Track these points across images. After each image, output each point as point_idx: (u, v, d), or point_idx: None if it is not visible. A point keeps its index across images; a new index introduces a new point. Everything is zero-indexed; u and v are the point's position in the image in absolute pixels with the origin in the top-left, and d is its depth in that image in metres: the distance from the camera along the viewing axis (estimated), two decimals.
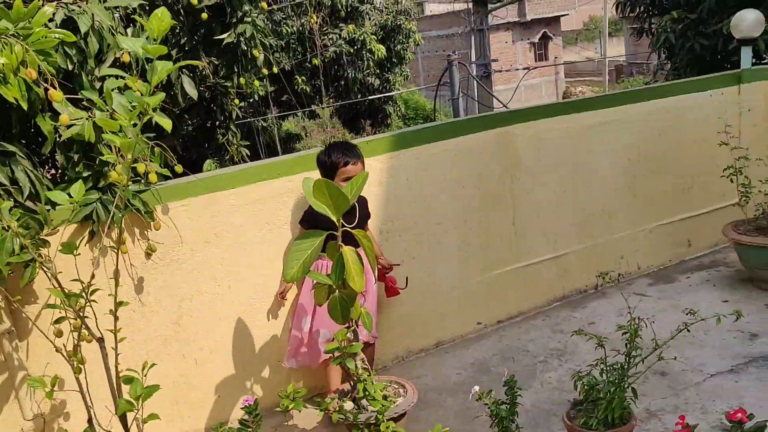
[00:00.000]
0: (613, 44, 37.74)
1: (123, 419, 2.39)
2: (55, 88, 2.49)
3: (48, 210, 2.65)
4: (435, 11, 33.30)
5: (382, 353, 4.03)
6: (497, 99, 8.55)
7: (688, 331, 2.83)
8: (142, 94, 2.74)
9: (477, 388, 2.84)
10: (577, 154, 4.62)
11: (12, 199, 2.44)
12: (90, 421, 2.48)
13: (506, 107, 5.12)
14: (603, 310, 4.47)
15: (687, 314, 2.87)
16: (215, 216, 3.52)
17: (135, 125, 2.17)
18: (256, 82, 4.38)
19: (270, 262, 3.68)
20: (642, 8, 8.38)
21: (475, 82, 11.30)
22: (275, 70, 4.45)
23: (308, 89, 14.50)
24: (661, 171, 4.96)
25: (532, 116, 4.44)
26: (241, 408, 2.60)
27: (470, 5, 14.21)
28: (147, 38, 2.32)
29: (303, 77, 14.28)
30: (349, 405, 3.09)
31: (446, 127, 4.23)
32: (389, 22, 15.54)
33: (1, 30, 2.25)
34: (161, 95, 2.05)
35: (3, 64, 2.16)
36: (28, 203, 2.53)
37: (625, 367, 2.93)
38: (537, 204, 4.51)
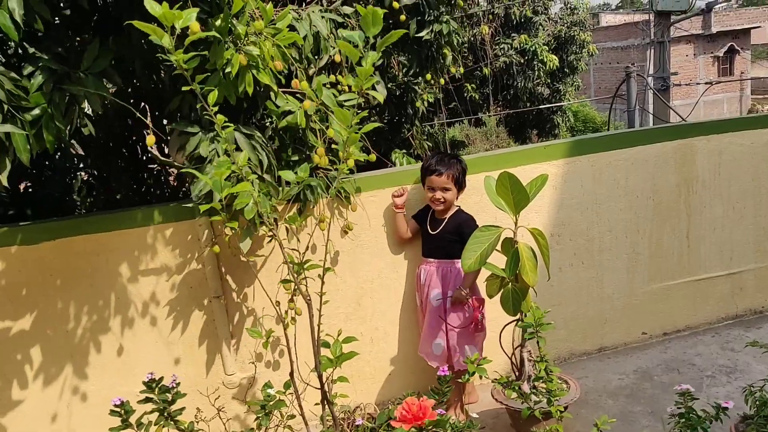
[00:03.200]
0: None
1: (320, 377, 2.74)
2: (297, 78, 2.93)
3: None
4: (611, 22, 32.32)
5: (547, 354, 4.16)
6: (675, 112, 8.28)
7: None
8: (350, 88, 3.13)
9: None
10: (759, 170, 4.48)
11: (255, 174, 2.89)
12: (292, 374, 2.86)
13: (685, 121, 5.03)
14: None
15: None
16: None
17: (352, 124, 2.50)
18: (441, 80, 4.66)
19: None
20: None
21: (650, 96, 10.97)
22: (461, 70, 4.72)
23: (477, 96, 14.71)
24: None
25: (713, 130, 4.38)
26: (438, 376, 2.87)
27: (651, 16, 13.76)
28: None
29: (473, 85, 14.51)
30: (526, 387, 3.28)
31: (624, 136, 4.28)
32: (563, 33, 15.43)
33: (258, 28, 2.71)
34: (373, 79, 2.36)
35: (259, 55, 2.61)
36: (265, 176, 2.98)
37: None
38: (713, 218, 4.44)
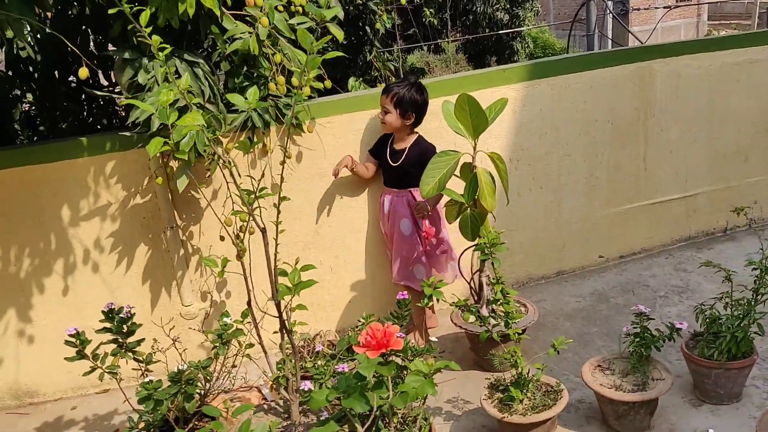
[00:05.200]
0: None
1: (278, 305, 2.70)
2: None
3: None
4: None
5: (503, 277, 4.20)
6: (634, 36, 8.22)
7: None
8: (303, 9, 2.98)
9: None
10: (716, 93, 4.48)
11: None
12: (249, 303, 2.82)
13: (643, 45, 4.98)
14: (731, 253, 4.40)
15: None
16: (355, 134, 3.76)
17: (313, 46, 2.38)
18: (403, 1, 4.50)
19: None
20: None
21: (609, 21, 10.85)
22: None
23: (436, 22, 14.40)
24: None
25: (672, 52, 4.34)
26: (397, 300, 2.86)
27: None
28: None
29: (431, 10, 14.17)
30: (484, 311, 3.30)
31: (583, 59, 4.23)
32: None
33: None
34: (338, 8, 2.24)
35: None
36: (208, 105, 2.85)
37: (752, 302, 2.96)
38: (670, 142, 4.45)
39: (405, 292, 2.93)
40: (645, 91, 4.30)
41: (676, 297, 3.99)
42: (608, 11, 9.19)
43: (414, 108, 3.51)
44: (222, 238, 3.24)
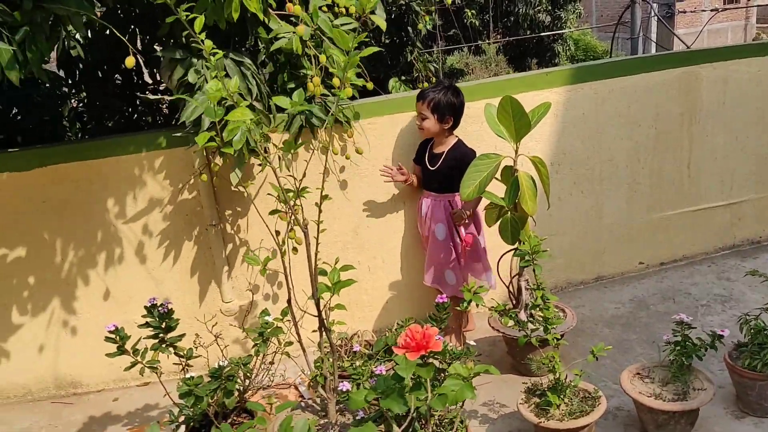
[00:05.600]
0: None
1: (317, 304, 2.73)
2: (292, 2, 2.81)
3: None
4: None
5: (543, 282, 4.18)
6: (680, 39, 8.08)
7: None
8: (347, 10, 3.01)
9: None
10: (764, 98, 4.39)
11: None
12: (289, 301, 2.85)
13: (689, 48, 4.89)
14: None
15: None
16: (397, 136, 3.77)
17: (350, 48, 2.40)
18: (448, 1, 4.50)
19: None
20: None
21: (653, 24, 10.69)
22: None
23: (477, 23, 14.35)
24: None
25: (719, 57, 4.26)
26: (436, 303, 2.87)
27: None
28: None
29: (473, 11, 14.13)
30: (523, 315, 3.29)
31: (627, 63, 4.18)
32: None
33: None
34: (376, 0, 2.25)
35: None
36: (255, 104, 2.89)
37: None
38: (715, 148, 4.37)
39: (444, 296, 2.93)
40: (690, 96, 4.23)
41: (719, 306, 3.92)
42: (653, 14, 9.05)
43: (451, 111, 3.50)
44: (277, 232, 3.28)
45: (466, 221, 3.57)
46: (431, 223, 3.64)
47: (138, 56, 3.47)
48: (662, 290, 4.18)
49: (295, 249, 3.00)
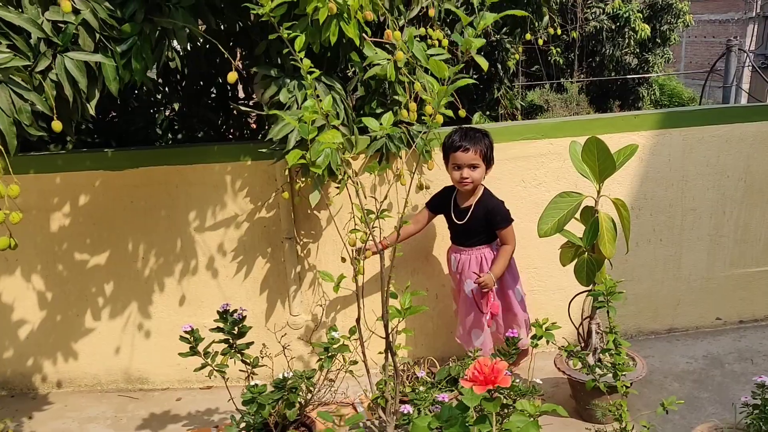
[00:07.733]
0: None
1: (386, 326, 2.75)
2: (389, 28, 2.88)
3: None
4: None
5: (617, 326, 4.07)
6: None
7: None
8: (440, 42, 3.05)
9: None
10: None
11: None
12: (358, 320, 2.88)
13: None
14: None
15: None
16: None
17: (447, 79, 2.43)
18: (540, 41, 4.53)
19: (517, 218, 3.86)
20: None
21: (746, 74, 10.40)
22: (559, 31, 4.55)
23: (561, 61, 14.27)
24: None
25: None
26: (506, 337, 2.85)
27: None
28: None
29: (558, 49, 14.07)
30: (591, 358, 3.22)
31: (720, 112, 4.06)
32: (659, 0, 14.70)
33: None
34: (482, 41, 2.28)
35: (349, 6, 2.55)
36: (341, 128, 2.96)
37: None
38: None
39: (515, 330, 2.90)
40: None
41: None
42: (749, 63, 8.80)
43: (493, 157, 3.42)
44: (343, 259, 3.32)
45: (495, 287, 3.41)
46: (462, 277, 3.51)
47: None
48: (739, 349, 4.01)
49: (360, 270, 3.02)
